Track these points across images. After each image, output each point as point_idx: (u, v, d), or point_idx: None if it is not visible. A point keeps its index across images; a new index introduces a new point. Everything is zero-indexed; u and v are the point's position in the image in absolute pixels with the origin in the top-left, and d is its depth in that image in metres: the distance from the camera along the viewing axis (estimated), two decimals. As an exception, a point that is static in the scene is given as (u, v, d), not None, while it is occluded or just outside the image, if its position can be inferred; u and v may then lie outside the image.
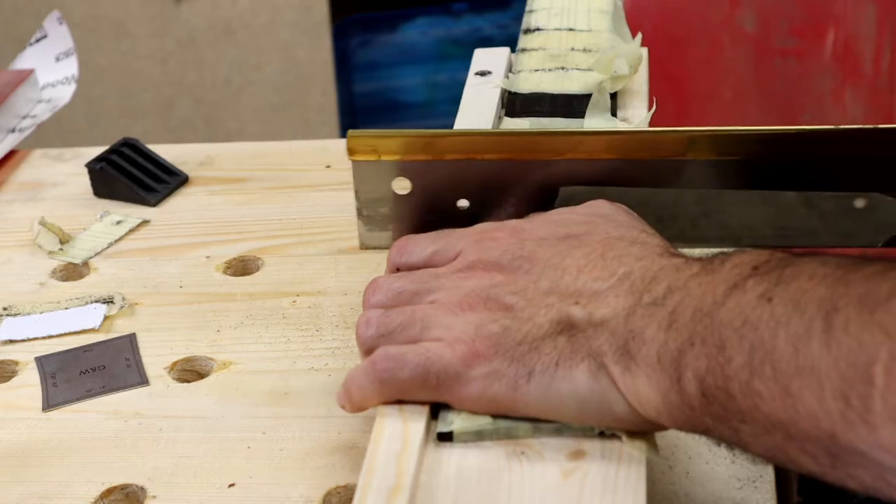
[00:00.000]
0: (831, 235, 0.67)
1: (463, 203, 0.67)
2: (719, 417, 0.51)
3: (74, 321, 0.77)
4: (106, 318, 0.77)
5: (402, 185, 0.67)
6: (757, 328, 0.49)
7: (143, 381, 0.71)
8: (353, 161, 0.66)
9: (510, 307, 0.58)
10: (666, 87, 0.81)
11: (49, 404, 0.70)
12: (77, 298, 0.79)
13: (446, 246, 0.63)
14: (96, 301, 0.79)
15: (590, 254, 0.58)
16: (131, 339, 0.75)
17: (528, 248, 0.60)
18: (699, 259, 0.56)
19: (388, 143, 0.66)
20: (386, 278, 0.63)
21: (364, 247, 0.69)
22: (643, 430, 0.55)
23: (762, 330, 0.49)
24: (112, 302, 0.78)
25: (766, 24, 1.21)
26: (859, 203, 0.66)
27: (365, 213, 0.67)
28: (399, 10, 2.32)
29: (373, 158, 0.66)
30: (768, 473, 0.60)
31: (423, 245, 0.64)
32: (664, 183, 0.66)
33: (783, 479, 0.60)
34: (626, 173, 0.66)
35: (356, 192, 0.67)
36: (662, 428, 0.55)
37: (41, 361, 0.74)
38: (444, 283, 0.60)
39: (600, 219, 0.62)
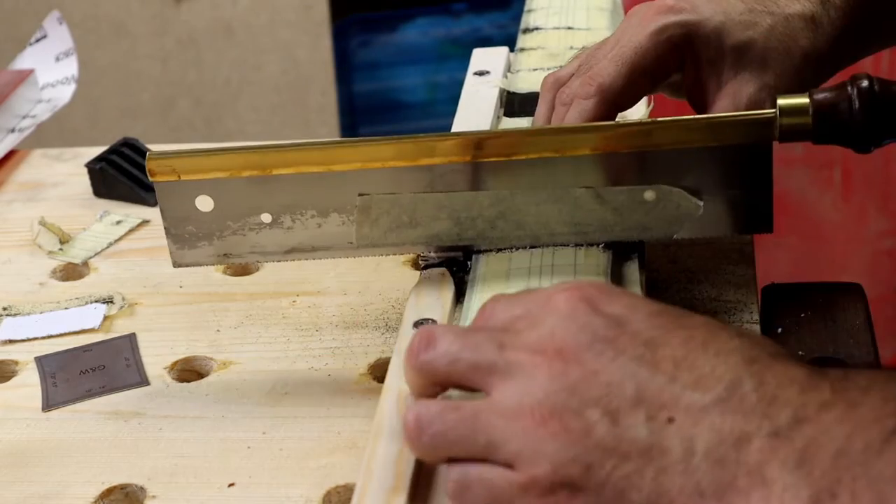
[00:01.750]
0: (626, 229, 0.68)
1: (265, 217, 0.68)
2: None
3: (74, 321, 0.77)
4: (106, 317, 0.77)
5: (204, 203, 0.68)
6: None
7: (143, 381, 0.71)
8: (155, 182, 0.68)
9: (591, 428, 0.48)
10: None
11: (49, 404, 0.70)
12: (77, 298, 0.79)
13: (523, 313, 0.53)
14: (96, 301, 0.79)
15: (689, 341, 0.49)
16: (131, 339, 0.75)
17: (611, 324, 0.50)
18: (823, 374, 0.48)
19: (186, 163, 0.67)
20: (443, 333, 0.53)
21: (177, 265, 0.70)
22: None
23: None
24: (112, 302, 0.78)
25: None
26: (649, 195, 0.67)
27: (173, 232, 0.69)
28: (399, 10, 2.31)
29: (173, 179, 0.67)
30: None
31: (502, 307, 0.54)
32: (457, 187, 0.67)
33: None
34: (419, 180, 0.67)
35: (162, 213, 0.68)
36: None
37: (41, 361, 0.74)
38: (511, 361, 0.51)
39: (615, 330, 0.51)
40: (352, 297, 0.77)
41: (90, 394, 0.71)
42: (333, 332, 0.74)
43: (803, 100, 0.66)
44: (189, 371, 0.72)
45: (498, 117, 0.82)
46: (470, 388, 0.52)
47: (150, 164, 0.67)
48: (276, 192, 0.68)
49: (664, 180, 0.66)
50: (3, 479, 0.64)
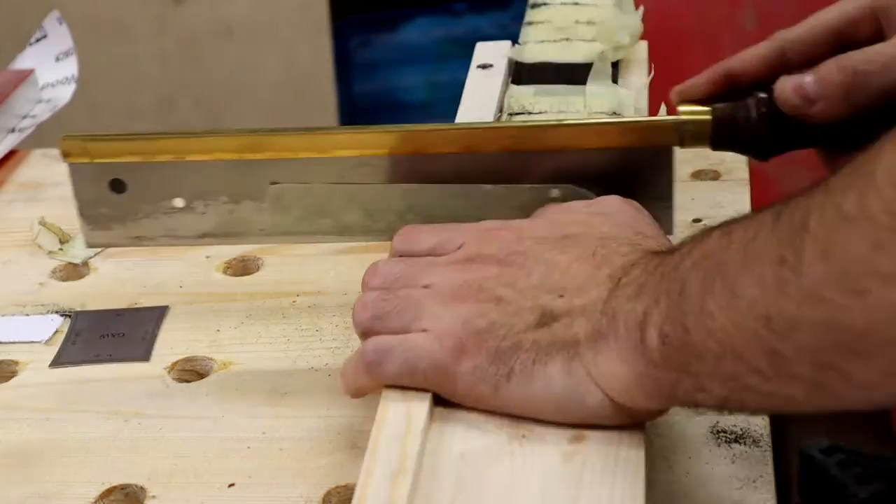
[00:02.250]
0: None
1: (178, 202, 0.69)
2: (679, 366, 0.51)
3: (24, 331, 0.77)
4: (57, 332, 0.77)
5: (117, 186, 0.69)
6: (713, 255, 0.50)
7: (145, 357, 0.72)
8: (68, 163, 0.69)
9: (499, 299, 0.58)
10: (666, 86, 0.81)
11: (58, 361, 0.72)
12: (42, 305, 0.79)
13: (448, 239, 0.63)
14: (55, 312, 0.79)
15: (582, 253, 0.59)
16: (161, 313, 0.76)
17: (525, 244, 0.61)
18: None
19: (99, 146, 0.68)
20: (385, 263, 0.64)
21: (90, 245, 0.72)
22: (618, 424, 0.55)
23: (718, 254, 0.50)
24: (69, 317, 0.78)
25: (766, 24, 1.21)
26: (555, 193, 0.68)
27: (86, 213, 0.70)
28: (399, 10, 2.32)
29: (86, 161, 0.68)
30: (768, 473, 0.60)
31: (426, 236, 0.64)
32: (368, 179, 0.69)
33: (783, 479, 0.60)
34: (329, 171, 0.69)
35: (74, 194, 0.70)
36: (637, 418, 0.55)
37: (76, 316, 0.76)
38: (441, 270, 0.61)
39: (600, 218, 0.62)
40: (352, 297, 0.77)
41: (97, 359, 0.72)
42: (333, 332, 0.74)
43: (704, 107, 0.68)
44: (189, 371, 0.72)
45: (505, 84, 0.84)
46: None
47: (63, 146, 0.68)
48: (189, 178, 0.69)
49: (570, 180, 0.68)
50: (3, 479, 0.64)
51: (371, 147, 0.68)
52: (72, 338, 0.75)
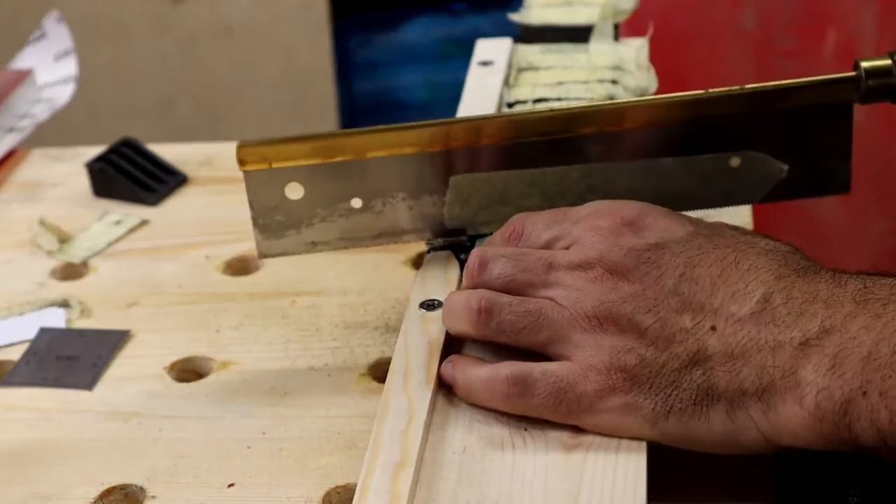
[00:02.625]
0: (712, 197, 0.69)
1: (356, 202, 0.68)
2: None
3: (26, 331, 0.76)
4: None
5: (294, 191, 0.67)
6: None
7: (89, 385, 0.71)
8: (245, 171, 0.67)
9: (644, 331, 0.55)
10: (666, 86, 0.81)
11: (6, 381, 0.71)
12: (29, 304, 0.79)
13: (562, 233, 0.61)
14: (52, 305, 0.79)
15: (722, 260, 0.56)
16: (120, 338, 0.75)
17: (652, 248, 0.58)
18: (843, 285, 0.54)
19: (278, 150, 0.67)
20: (494, 257, 0.60)
21: (262, 256, 0.69)
22: (766, 453, 0.56)
23: None
24: (69, 306, 0.78)
25: (766, 24, 1.21)
26: (734, 162, 0.68)
27: (261, 222, 0.68)
28: (399, 10, 2.32)
29: (264, 167, 0.67)
30: (769, 474, 0.60)
31: (540, 229, 0.62)
32: (550, 162, 0.68)
33: (783, 479, 0.60)
34: (513, 157, 0.67)
35: (250, 203, 0.67)
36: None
37: (41, 333, 0.75)
38: (562, 278, 0.58)
39: (717, 221, 0.61)
40: (352, 297, 0.77)
41: (44, 382, 0.71)
42: (333, 332, 0.74)
43: (886, 61, 0.67)
44: (189, 371, 0.72)
45: (510, 48, 0.87)
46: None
47: (240, 153, 0.66)
48: (367, 176, 0.67)
49: (748, 146, 0.67)
50: (3, 479, 0.64)
51: (548, 129, 0.67)
52: (28, 356, 0.73)
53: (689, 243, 0.58)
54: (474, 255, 0.61)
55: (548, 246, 0.61)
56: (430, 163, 0.67)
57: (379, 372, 0.70)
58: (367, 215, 0.68)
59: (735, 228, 0.60)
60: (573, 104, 0.69)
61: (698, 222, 0.60)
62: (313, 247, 0.69)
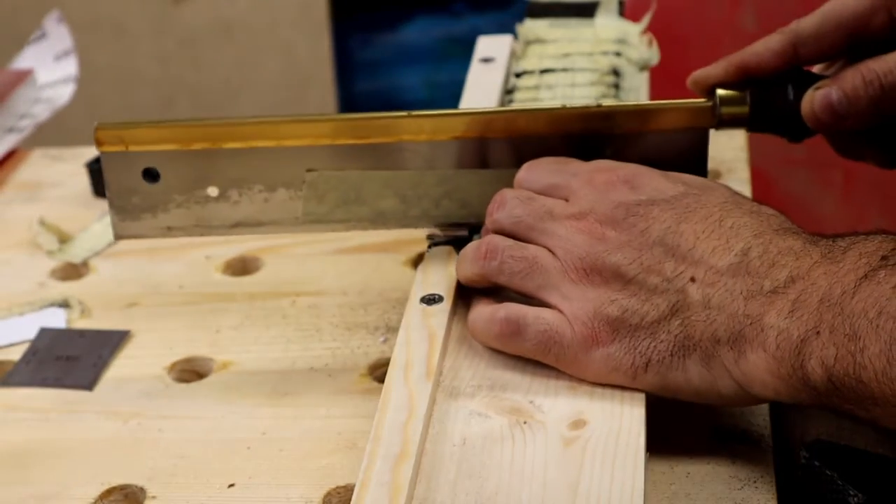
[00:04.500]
0: None
1: (212, 191, 0.69)
2: (849, 400, 0.52)
3: (26, 331, 0.76)
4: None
5: (150, 175, 0.68)
6: (893, 314, 0.50)
7: (90, 386, 0.71)
8: (102, 152, 0.68)
9: (627, 281, 0.59)
10: (667, 86, 0.82)
11: (6, 382, 0.71)
12: (29, 304, 0.79)
13: (562, 182, 0.64)
14: (52, 305, 0.79)
15: (707, 217, 0.59)
16: (120, 337, 0.75)
17: (643, 203, 0.61)
18: (816, 242, 0.56)
19: (135, 134, 0.68)
20: (512, 199, 0.64)
21: (119, 237, 0.70)
22: (747, 405, 0.59)
23: None
24: (69, 306, 0.78)
25: (766, 24, 1.21)
26: None
27: (117, 203, 0.69)
28: (399, 10, 2.32)
29: (120, 149, 0.67)
30: (769, 473, 0.60)
31: (544, 174, 0.65)
32: (404, 165, 0.69)
33: (783, 479, 0.60)
34: (365, 157, 0.68)
35: (106, 183, 0.68)
36: (765, 401, 0.58)
37: (41, 333, 0.75)
38: (558, 228, 0.62)
39: (712, 182, 0.63)
40: (352, 297, 0.77)
41: (44, 383, 0.71)
42: (333, 332, 0.74)
43: (739, 91, 0.69)
44: (189, 371, 0.72)
45: (521, 21, 0.90)
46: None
47: (97, 134, 0.67)
48: (224, 166, 0.68)
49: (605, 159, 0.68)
50: (3, 479, 0.64)
51: (409, 133, 0.68)
52: (28, 357, 0.73)
53: (678, 202, 0.60)
54: (497, 195, 0.65)
55: (547, 191, 0.65)
56: (287, 157, 0.68)
57: (379, 372, 0.70)
58: (223, 204, 0.69)
59: (727, 191, 0.62)
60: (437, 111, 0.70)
61: (691, 183, 0.62)
62: (168, 231, 0.70)
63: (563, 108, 0.69)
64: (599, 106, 0.68)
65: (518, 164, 0.68)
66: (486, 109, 0.73)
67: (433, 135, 0.68)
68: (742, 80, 0.69)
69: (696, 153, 0.69)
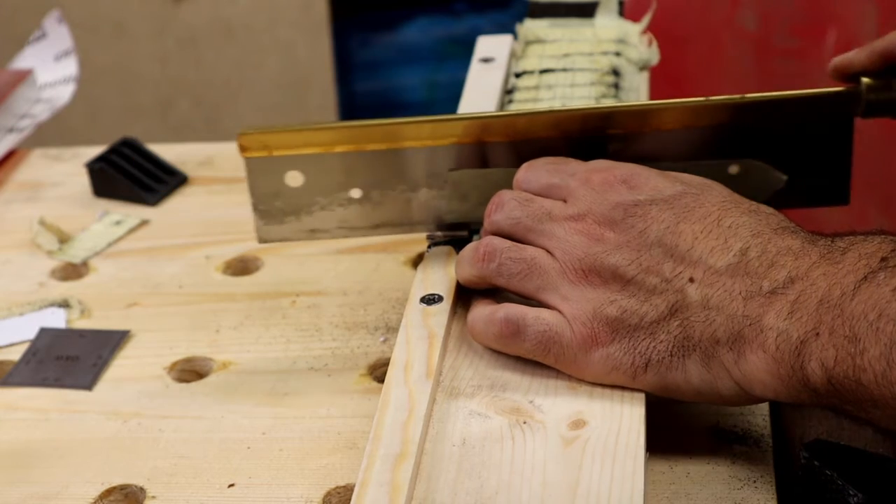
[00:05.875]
0: None
1: (355, 193, 0.69)
2: (848, 401, 0.53)
3: (26, 331, 0.76)
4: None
5: (294, 179, 0.68)
6: (893, 318, 0.51)
7: (89, 386, 0.71)
8: (246, 158, 0.68)
9: (626, 282, 0.59)
10: (667, 86, 0.82)
11: (6, 381, 0.71)
12: (29, 304, 0.79)
13: (560, 183, 0.64)
14: (52, 305, 0.78)
15: (706, 217, 0.59)
16: (120, 337, 0.75)
17: (641, 203, 0.61)
18: (815, 242, 0.57)
19: (279, 138, 0.68)
20: (510, 200, 0.64)
21: (262, 240, 0.70)
22: (747, 405, 0.59)
23: None
24: (69, 306, 0.78)
25: (766, 24, 1.21)
26: (733, 169, 0.68)
27: (260, 208, 0.69)
28: (399, 10, 2.32)
29: (264, 154, 0.68)
30: (769, 473, 0.60)
31: (543, 175, 0.65)
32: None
33: (783, 479, 0.60)
34: (510, 155, 0.68)
35: (250, 188, 0.69)
36: (766, 399, 0.57)
37: (41, 333, 0.75)
38: (556, 230, 0.62)
39: (710, 181, 0.63)
40: (352, 297, 0.77)
41: (44, 383, 0.71)
42: (333, 332, 0.74)
43: (885, 79, 0.68)
44: (189, 371, 0.72)
45: (521, 21, 0.90)
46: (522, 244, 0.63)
47: (241, 140, 0.67)
48: (366, 168, 0.68)
49: (749, 154, 0.68)
50: (3, 479, 0.64)
51: (541, 129, 0.68)
52: (28, 357, 0.73)
53: (676, 201, 0.60)
54: (495, 197, 0.65)
55: (546, 191, 0.64)
56: (431, 157, 0.68)
57: (379, 372, 0.70)
58: (366, 206, 0.69)
59: (724, 190, 0.62)
60: (586, 104, 0.69)
61: (689, 182, 0.62)
62: (312, 234, 0.70)
63: (703, 100, 0.67)
64: (742, 98, 0.68)
65: (662, 158, 0.67)
66: (632, 104, 0.73)
67: (576, 131, 0.68)
68: (884, 68, 0.68)
69: (840, 143, 0.68)
